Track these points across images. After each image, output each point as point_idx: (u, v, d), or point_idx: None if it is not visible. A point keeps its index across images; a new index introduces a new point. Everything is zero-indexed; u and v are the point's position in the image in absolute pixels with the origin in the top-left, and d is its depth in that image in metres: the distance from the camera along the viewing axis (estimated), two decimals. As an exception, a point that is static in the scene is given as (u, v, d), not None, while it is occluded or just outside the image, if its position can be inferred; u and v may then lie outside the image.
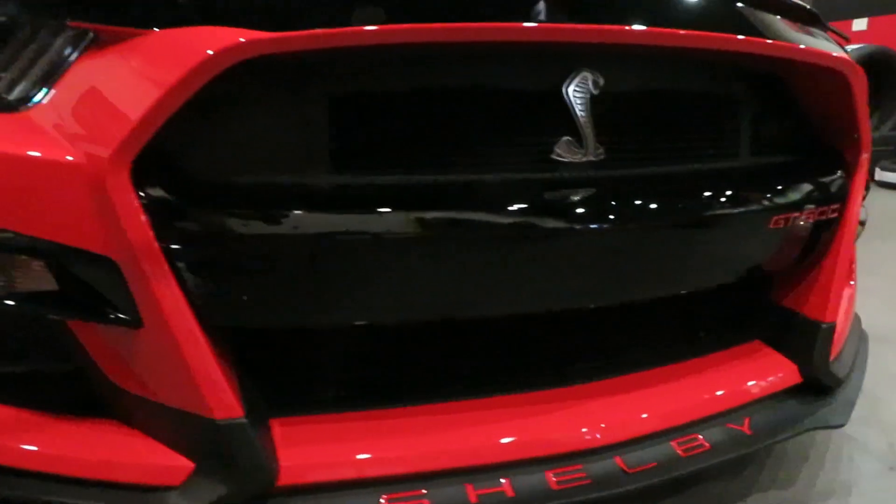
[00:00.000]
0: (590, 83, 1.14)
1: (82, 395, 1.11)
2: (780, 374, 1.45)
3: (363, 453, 1.12)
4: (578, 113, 1.14)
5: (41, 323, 1.08)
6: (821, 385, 1.47)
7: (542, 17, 1.08)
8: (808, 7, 1.47)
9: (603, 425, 1.24)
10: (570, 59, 1.14)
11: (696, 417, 1.32)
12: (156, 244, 0.96)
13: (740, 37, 1.19)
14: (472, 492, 1.12)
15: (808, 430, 1.41)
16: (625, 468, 1.20)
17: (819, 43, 1.35)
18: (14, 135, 0.99)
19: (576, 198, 1.16)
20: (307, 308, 1.10)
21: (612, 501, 1.18)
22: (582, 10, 1.14)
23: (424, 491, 1.10)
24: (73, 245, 0.97)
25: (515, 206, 1.11)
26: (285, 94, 1.05)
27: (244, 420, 1.03)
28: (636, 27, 1.11)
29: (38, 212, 0.98)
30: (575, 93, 1.14)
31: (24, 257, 1.01)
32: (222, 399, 1.01)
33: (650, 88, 1.25)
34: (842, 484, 1.59)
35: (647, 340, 1.48)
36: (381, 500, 1.08)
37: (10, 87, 1.02)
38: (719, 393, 1.37)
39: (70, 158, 0.96)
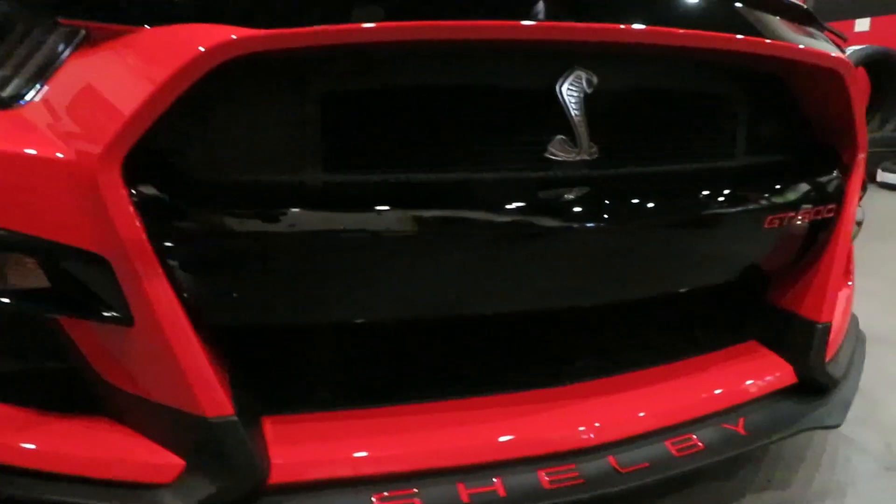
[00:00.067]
0: (583, 82, 1.14)
1: (74, 392, 1.11)
2: (775, 375, 1.44)
3: (355, 452, 1.12)
4: (572, 112, 1.14)
5: (33, 320, 1.08)
6: (816, 385, 1.46)
7: (536, 15, 1.08)
8: (805, 7, 1.46)
9: (596, 425, 1.23)
10: (563, 57, 1.14)
11: (690, 417, 1.31)
12: (147, 242, 0.96)
13: (735, 36, 1.18)
14: (463, 491, 1.11)
15: (803, 430, 1.40)
16: (618, 468, 1.20)
17: (815, 43, 1.35)
18: (6, 132, 0.99)
19: (569, 196, 1.16)
20: (299, 307, 1.10)
21: (606, 501, 1.18)
22: (576, 8, 1.13)
23: (416, 490, 1.10)
24: (64, 242, 0.98)
25: (508, 205, 1.11)
26: (277, 91, 1.05)
27: (235, 418, 1.03)
28: (630, 26, 1.10)
29: (29, 209, 0.98)
30: (569, 91, 1.14)
31: (15, 254, 1.01)
32: (213, 397, 1.01)
33: (645, 87, 1.25)
34: (838, 484, 1.58)
35: (642, 340, 1.48)
36: (373, 499, 1.08)
37: (3, 85, 1.02)
38: (714, 393, 1.37)
39: (62, 155, 0.96)
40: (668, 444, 1.26)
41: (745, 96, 1.36)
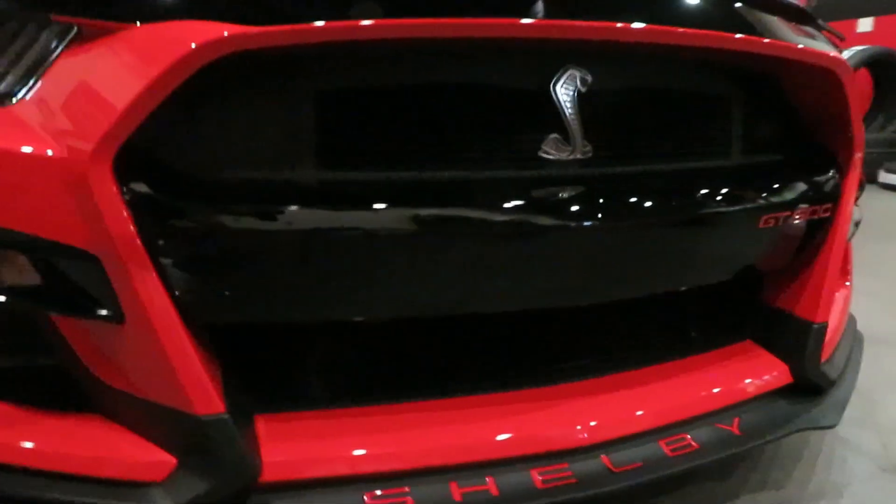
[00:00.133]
0: (577, 81, 1.14)
1: (66, 390, 1.11)
2: (770, 375, 1.44)
3: (347, 450, 1.12)
4: (566, 110, 1.13)
5: (25, 317, 1.08)
6: (812, 385, 1.46)
7: (529, 13, 1.08)
8: (802, 6, 1.46)
9: (590, 424, 1.23)
10: (557, 56, 1.13)
11: (684, 417, 1.31)
12: (137, 239, 0.96)
13: (729, 35, 1.18)
14: (456, 490, 1.11)
15: (798, 430, 1.40)
16: (611, 467, 1.20)
17: (811, 42, 1.35)
18: (-1, 130, 0.99)
19: (563, 195, 1.15)
20: (290, 305, 1.10)
21: (601, 501, 1.18)
22: (570, 6, 1.13)
23: (408, 489, 1.10)
24: (55, 240, 0.97)
25: (501, 204, 1.11)
26: (269, 89, 1.05)
27: (226, 416, 1.02)
28: (624, 24, 1.10)
29: (20, 206, 0.98)
30: (563, 90, 1.13)
31: (6, 251, 1.01)
32: (204, 395, 1.01)
33: (639, 86, 1.25)
34: (834, 485, 1.58)
35: (637, 339, 1.47)
36: (364, 498, 1.08)
37: None
38: (708, 393, 1.37)
39: (53, 153, 0.96)
40: (661, 443, 1.25)
41: (741, 95, 1.36)
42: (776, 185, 1.33)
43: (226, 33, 0.92)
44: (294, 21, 0.95)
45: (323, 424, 1.16)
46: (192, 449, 1.04)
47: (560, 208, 1.14)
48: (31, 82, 1.01)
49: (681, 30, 1.13)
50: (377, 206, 1.03)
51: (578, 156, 1.15)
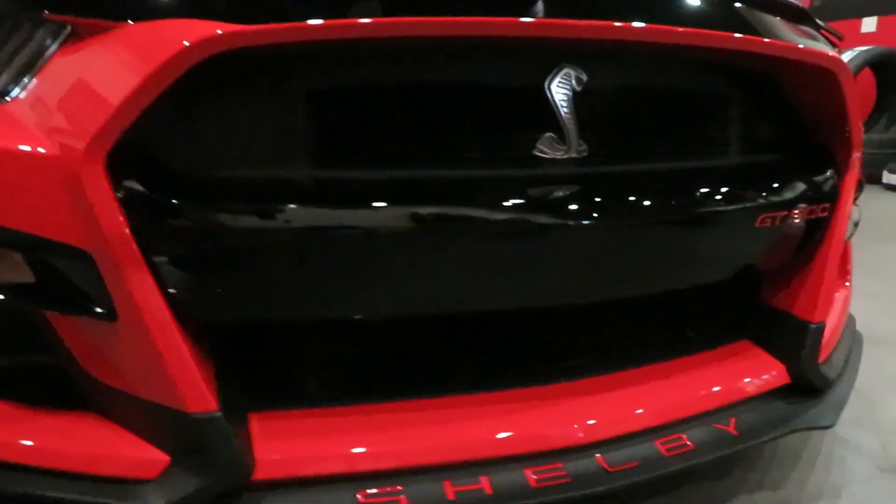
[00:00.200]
0: (572, 79, 1.14)
1: (60, 387, 1.11)
2: (767, 375, 1.44)
3: (341, 448, 1.12)
4: (561, 109, 1.13)
5: (19, 315, 1.08)
6: (810, 386, 1.46)
7: (524, 11, 1.08)
8: (801, 5, 1.46)
9: (586, 423, 1.23)
10: (552, 54, 1.13)
11: (680, 417, 1.31)
12: (130, 237, 0.96)
13: (725, 34, 1.18)
14: (449, 489, 1.11)
15: (795, 430, 1.39)
16: (606, 467, 1.19)
17: (809, 41, 1.34)
18: (-7, 128, 0.99)
19: (557, 194, 1.15)
20: (284, 303, 1.10)
21: (598, 500, 1.18)
22: (566, 4, 1.13)
23: (401, 487, 1.10)
24: (48, 237, 0.98)
25: (496, 203, 1.11)
26: (262, 88, 1.05)
27: (218, 414, 1.02)
28: (619, 23, 1.10)
29: (14, 204, 0.98)
30: (557, 89, 1.13)
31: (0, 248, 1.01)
32: (196, 392, 1.01)
33: (634, 85, 1.25)
34: (832, 485, 1.57)
35: (634, 339, 1.47)
36: (358, 497, 1.08)
37: None
38: (705, 392, 1.37)
39: (47, 151, 0.96)
40: (657, 443, 1.25)
41: (738, 95, 1.36)
42: (773, 185, 1.32)
43: (218, 31, 0.92)
44: (288, 20, 0.95)
45: (317, 423, 1.16)
46: (185, 447, 1.04)
47: (555, 207, 1.14)
48: (24, 81, 1.01)
49: (676, 29, 1.13)
50: (370, 204, 1.03)
51: (574, 155, 1.15)
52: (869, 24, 6.80)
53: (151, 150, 1.01)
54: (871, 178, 5.91)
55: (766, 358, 1.48)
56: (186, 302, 1.02)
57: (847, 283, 1.82)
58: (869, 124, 6.09)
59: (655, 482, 1.38)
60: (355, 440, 1.14)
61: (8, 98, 1.01)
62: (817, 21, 1.49)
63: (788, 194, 1.33)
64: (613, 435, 1.24)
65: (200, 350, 1.07)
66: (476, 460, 1.15)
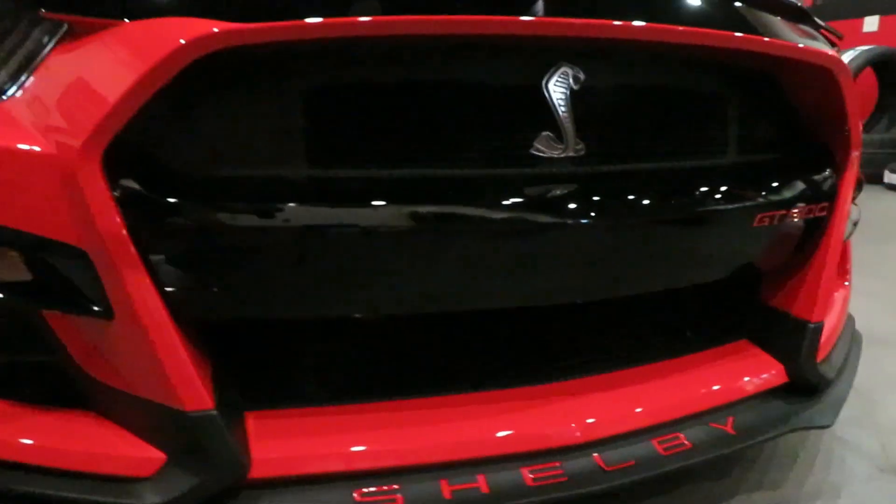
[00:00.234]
0: (570, 78, 1.14)
1: (57, 386, 1.11)
2: (766, 374, 1.44)
3: (337, 447, 1.12)
4: (558, 108, 1.13)
5: (15, 313, 1.08)
6: (808, 385, 1.45)
7: (521, 10, 1.07)
8: (800, 4, 1.45)
9: (583, 423, 1.23)
10: (549, 53, 1.13)
11: (678, 416, 1.31)
12: (126, 235, 0.96)
13: (723, 33, 1.17)
14: (446, 487, 1.11)
15: (793, 430, 1.39)
16: (603, 466, 1.19)
17: (807, 40, 1.34)
18: (-11, 126, 0.99)
19: (555, 193, 1.15)
20: (280, 302, 1.10)
21: (596, 499, 1.18)
22: (562, 3, 1.13)
23: (397, 486, 1.10)
24: (44, 236, 0.98)
25: (493, 201, 1.11)
26: (258, 86, 1.05)
27: (214, 412, 1.02)
28: (616, 22, 1.09)
29: (10, 202, 0.98)
30: (555, 88, 1.13)
31: (-3, 247, 1.01)
32: (192, 391, 1.01)
33: (632, 84, 1.25)
34: (831, 485, 1.57)
35: (632, 338, 1.47)
36: (354, 495, 1.08)
37: None
38: (703, 392, 1.37)
39: (43, 149, 0.96)
40: (654, 442, 1.25)
41: (736, 94, 1.35)
42: (771, 184, 1.32)
43: (215, 30, 0.92)
44: (284, 19, 0.95)
45: (313, 421, 1.16)
46: (181, 445, 1.05)
47: (552, 206, 1.14)
48: (21, 79, 1.01)
49: (674, 27, 1.13)
50: (366, 203, 1.03)
51: (571, 154, 1.15)
52: (871, 23, 6.78)
53: (148, 149, 1.01)
54: (873, 177, 5.91)
55: (764, 357, 1.47)
56: (182, 300, 1.02)
57: (846, 283, 1.81)
58: (870, 124, 6.09)
59: (654, 481, 1.38)
60: (352, 439, 1.14)
61: (4, 96, 1.01)
62: (816, 20, 1.49)
63: (786, 193, 1.33)
64: (611, 434, 1.24)
65: (197, 349, 1.07)
66: (473, 459, 1.15)
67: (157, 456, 1.05)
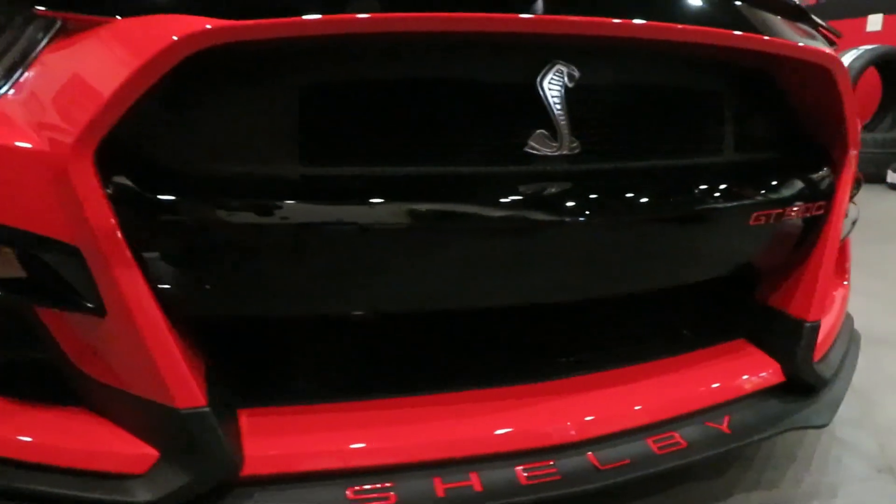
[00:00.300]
0: (565, 76, 1.13)
1: (50, 382, 1.12)
2: (762, 373, 1.43)
3: (330, 445, 1.12)
4: (553, 106, 1.13)
5: (9, 310, 1.08)
6: (805, 385, 1.45)
7: (515, 7, 1.07)
8: (797, 2, 1.45)
9: (578, 421, 1.23)
10: (544, 51, 1.13)
11: (673, 415, 1.30)
12: (118, 232, 0.96)
13: (718, 30, 1.17)
14: (439, 485, 1.11)
15: (789, 429, 1.39)
16: (597, 464, 1.19)
17: (804, 38, 1.33)
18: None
19: (549, 191, 1.15)
20: (273, 299, 1.10)
21: (591, 498, 1.18)
22: (558, 1, 1.13)
23: (390, 484, 1.10)
24: (36, 232, 0.98)
25: (487, 199, 1.11)
26: (250, 84, 1.05)
27: (207, 409, 1.02)
28: (610, 20, 1.09)
29: (3, 198, 0.98)
30: (549, 86, 1.13)
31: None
32: (185, 388, 1.01)
33: (627, 82, 1.24)
34: (828, 485, 1.57)
35: (627, 337, 1.47)
36: (347, 493, 1.08)
37: None
38: (699, 390, 1.36)
39: (36, 146, 0.96)
40: (649, 441, 1.25)
41: (733, 92, 1.35)
42: (767, 182, 1.32)
43: (207, 27, 0.92)
44: (278, 16, 0.95)
45: (307, 419, 1.16)
46: (173, 442, 1.04)
47: (546, 204, 1.14)
48: (15, 76, 1.01)
49: (669, 25, 1.13)
50: (357, 201, 1.03)
51: (565, 152, 1.15)
52: (874, 22, 6.75)
53: (141, 147, 1.01)
54: (876, 177, 5.89)
55: (760, 356, 1.47)
56: (175, 298, 1.02)
57: (845, 283, 1.81)
58: (874, 123, 6.07)
59: (650, 480, 1.38)
60: (345, 437, 1.14)
61: (-1, 94, 1.01)
62: (815, 19, 1.49)
63: (783, 192, 1.33)
64: (605, 433, 1.23)
65: (190, 346, 1.07)
66: (466, 458, 1.15)
67: (150, 453, 1.05)
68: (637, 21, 1.10)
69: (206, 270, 1.04)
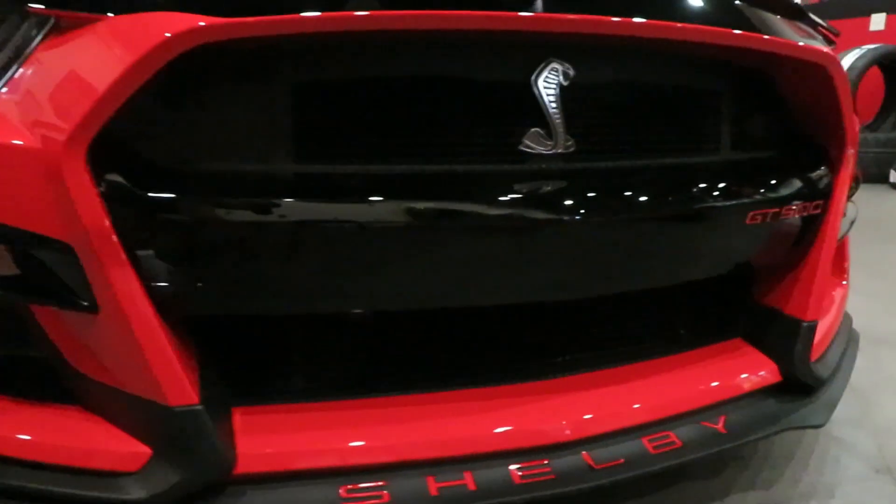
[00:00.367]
0: (560, 74, 1.13)
1: (44, 380, 1.12)
2: (759, 373, 1.43)
3: (323, 444, 1.12)
4: (548, 104, 1.12)
5: (2, 307, 1.08)
6: (801, 384, 1.45)
7: (510, 5, 1.07)
8: (795, 1, 1.45)
9: (572, 420, 1.23)
10: (539, 49, 1.12)
11: (669, 414, 1.30)
12: (111, 230, 0.96)
13: (714, 29, 1.16)
14: (432, 484, 1.11)
15: (785, 429, 1.39)
16: (592, 464, 1.19)
17: (801, 37, 1.33)
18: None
19: (544, 190, 1.14)
20: (266, 297, 1.09)
21: (585, 497, 1.17)
22: None
23: (384, 482, 1.09)
24: (29, 229, 0.98)
25: (481, 198, 1.10)
26: (245, 81, 1.04)
27: (199, 407, 1.02)
28: (606, 18, 1.09)
29: (-3, 196, 0.98)
30: (544, 84, 1.12)
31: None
32: (177, 386, 1.01)
33: (623, 80, 1.24)
34: (825, 485, 1.56)
35: (624, 336, 1.46)
36: (340, 492, 1.08)
37: None
38: (694, 390, 1.36)
39: (29, 143, 0.96)
40: (644, 440, 1.25)
41: (729, 90, 1.34)
42: (763, 181, 1.31)
43: (200, 24, 0.92)
44: (272, 14, 0.95)
45: (300, 417, 1.16)
46: (166, 440, 1.04)
47: (541, 203, 1.13)
48: (7, 74, 1.01)
49: (665, 23, 1.13)
50: (352, 199, 1.03)
51: (560, 150, 1.14)
52: (878, 21, 6.73)
53: (134, 144, 1.01)
54: (878, 177, 5.88)
55: (757, 356, 1.47)
56: (168, 295, 1.02)
57: (844, 282, 1.81)
58: (876, 123, 6.05)
59: (646, 479, 1.38)
60: (339, 435, 1.13)
61: (-8, 91, 1.01)
62: (813, 17, 1.48)
63: (780, 191, 1.32)
64: (600, 432, 1.23)
65: (183, 344, 1.07)
66: (460, 456, 1.15)
67: (142, 451, 1.05)
68: (632, 19, 1.09)
69: (199, 268, 1.03)
